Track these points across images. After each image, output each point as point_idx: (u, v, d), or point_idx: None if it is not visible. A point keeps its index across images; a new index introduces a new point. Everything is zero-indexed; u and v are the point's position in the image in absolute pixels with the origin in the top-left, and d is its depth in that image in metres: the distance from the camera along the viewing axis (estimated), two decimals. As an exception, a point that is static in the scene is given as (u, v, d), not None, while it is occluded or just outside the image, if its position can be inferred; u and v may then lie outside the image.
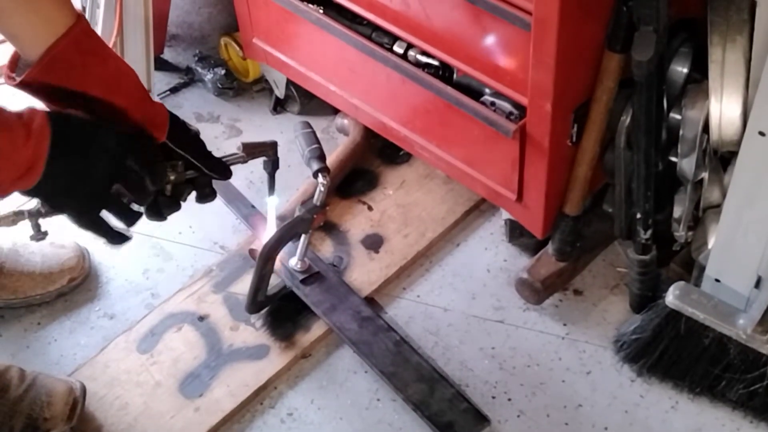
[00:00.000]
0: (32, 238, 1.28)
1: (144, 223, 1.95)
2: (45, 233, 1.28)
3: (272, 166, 1.63)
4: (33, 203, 1.23)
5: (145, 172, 1.21)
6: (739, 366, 1.59)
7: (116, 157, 1.20)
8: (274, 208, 1.75)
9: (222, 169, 1.35)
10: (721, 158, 1.57)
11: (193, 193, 1.34)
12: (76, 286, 1.89)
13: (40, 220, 1.27)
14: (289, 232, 1.72)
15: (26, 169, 1.16)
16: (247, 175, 2.09)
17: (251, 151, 1.53)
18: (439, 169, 1.92)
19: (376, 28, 1.74)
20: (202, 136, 1.35)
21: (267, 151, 1.59)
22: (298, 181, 1.99)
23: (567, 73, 1.48)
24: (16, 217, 1.26)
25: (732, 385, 1.62)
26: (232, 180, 2.02)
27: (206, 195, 1.36)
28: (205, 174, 1.33)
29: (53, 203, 1.24)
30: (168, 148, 1.29)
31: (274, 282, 1.80)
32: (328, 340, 1.79)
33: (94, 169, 1.20)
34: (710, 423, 1.65)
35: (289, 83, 2.14)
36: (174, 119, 1.30)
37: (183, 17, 2.43)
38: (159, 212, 1.30)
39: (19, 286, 1.84)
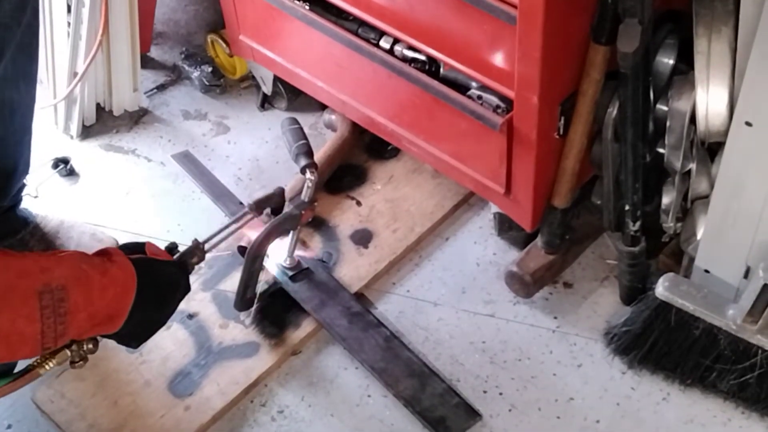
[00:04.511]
0: (74, 366, 1.31)
1: (133, 221, 1.97)
2: (87, 359, 1.32)
3: (279, 210, 1.71)
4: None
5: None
6: (730, 357, 1.59)
7: (186, 291, 1.41)
8: None
9: None
10: (709, 149, 1.57)
11: None
12: None
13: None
14: (277, 228, 1.71)
15: (106, 317, 1.25)
16: (235, 172, 2.08)
17: (261, 205, 1.65)
18: (427, 163, 1.91)
19: (363, 23, 1.74)
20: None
21: (275, 200, 1.68)
22: (286, 178, 1.98)
23: (553, 66, 1.48)
24: (70, 352, 1.30)
25: (723, 375, 1.62)
26: (221, 177, 2.03)
27: None
28: None
29: (122, 341, 1.35)
30: None
31: (263, 279, 1.79)
32: (318, 336, 1.78)
33: (171, 310, 1.38)
34: (702, 414, 1.66)
35: (276, 80, 2.13)
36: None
37: (169, 15, 2.42)
38: None
39: None
